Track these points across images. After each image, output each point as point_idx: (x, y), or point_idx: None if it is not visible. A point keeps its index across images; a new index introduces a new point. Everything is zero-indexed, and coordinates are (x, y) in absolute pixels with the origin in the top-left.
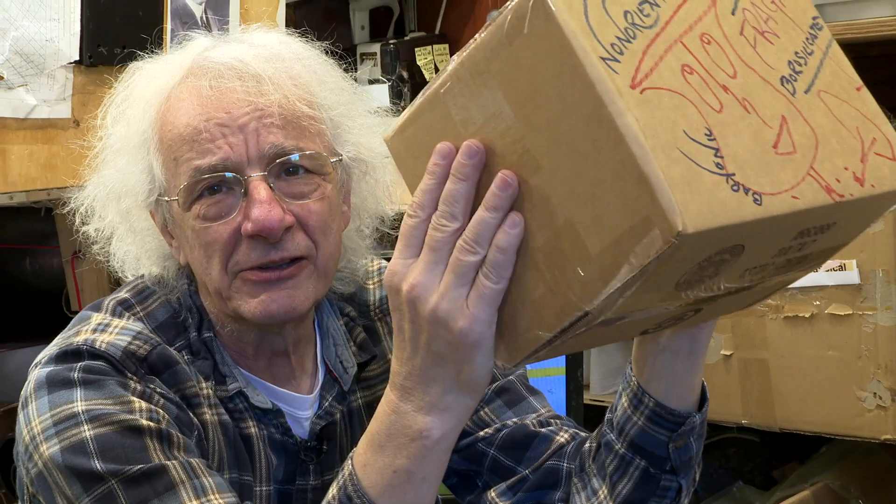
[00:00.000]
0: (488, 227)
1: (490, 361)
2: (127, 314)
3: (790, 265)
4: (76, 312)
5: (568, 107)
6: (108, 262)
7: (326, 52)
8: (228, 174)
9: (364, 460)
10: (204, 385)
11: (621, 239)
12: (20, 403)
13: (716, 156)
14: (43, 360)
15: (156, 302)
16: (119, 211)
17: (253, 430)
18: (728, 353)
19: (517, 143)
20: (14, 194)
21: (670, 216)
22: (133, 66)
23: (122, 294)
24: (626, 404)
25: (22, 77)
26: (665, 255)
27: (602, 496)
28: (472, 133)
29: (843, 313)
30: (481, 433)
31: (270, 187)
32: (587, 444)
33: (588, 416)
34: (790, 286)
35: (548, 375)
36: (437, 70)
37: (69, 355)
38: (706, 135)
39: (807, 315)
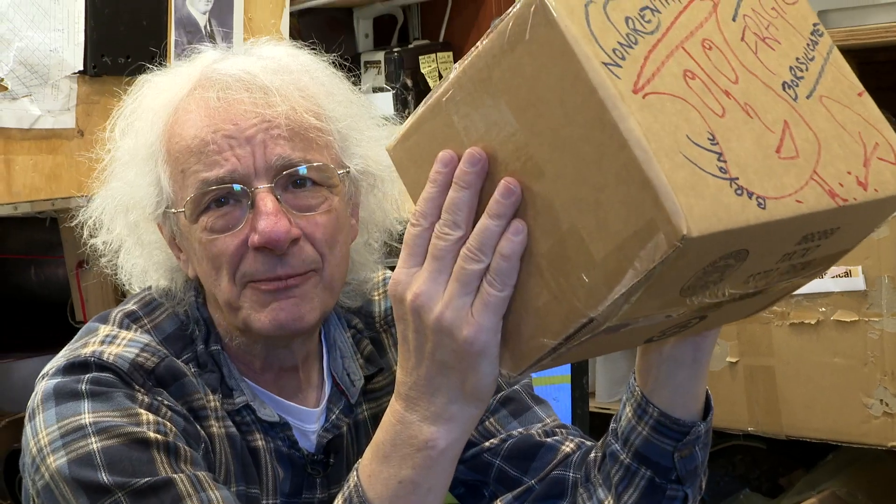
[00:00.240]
0: (492, 234)
1: (495, 370)
2: (134, 326)
3: (794, 271)
4: (81, 322)
5: (570, 113)
6: (115, 274)
7: (333, 64)
8: (236, 186)
9: (369, 471)
10: (211, 398)
11: (626, 244)
12: (27, 415)
13: (719, 160)
14: (50, 372)
15: (163, 314)
16: (127, 223)
17: (260, 442)
18: (734, 360)
19: (520, 150)
20: (18, 205)
21: (675, 220)
22: (142, 78)
23: (130, 306)
24: (630, 414)
25: (26, 87)
26: (670, 260)
27: None
28: (475, 141)
29: (848, 320)
30: (487, 444)
31: (277, 199)
32: (592, 454)
33: (594, 423)
34: (796, 293)
35: (553, 384)
36: (441, 78)
37: (77, 367)
38: (709, 139)
39: (812, 322)
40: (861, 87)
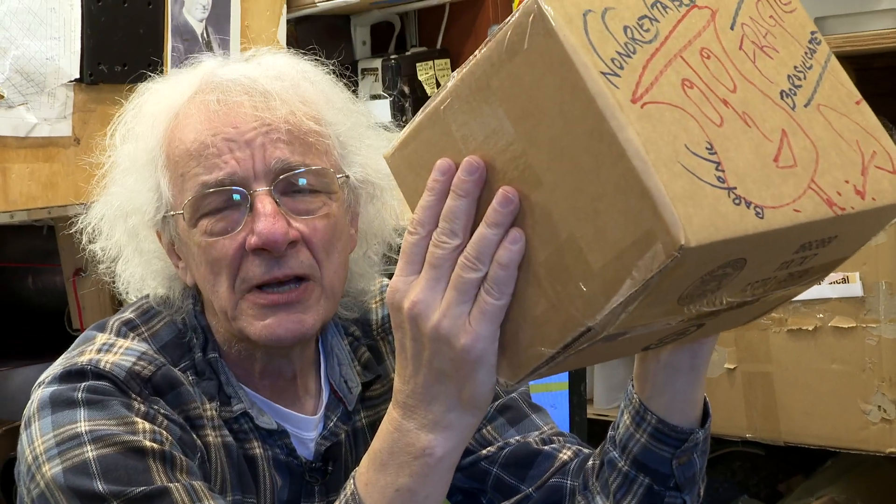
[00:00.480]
0: (490, 243)
1: (492, 379)
2: (132, 334)
3: (792, 279)
4: (78, 331)
5: (569, 122)
6: (113, 281)
7: (331, 71)
8: (235, 189)
9: (366, 479)
10: (208, 406)
11: (624, 253)
12: (23, 423)
13: (717, 169)
14: (46, 380)
15: (161, 322)
16: (126, 229)
17: (258, 450)
18: (732, 366)
19: (518, 159)
20: (15, 213)
21: (673, 230)
22: (142, 86)
23: (127, 314)
24: (628, 421)
25: (22, 96)
26: (668, 270)
27: None
28: (473, 149)
29: (846, 326)
30: (484, 451)
31: (276, 202)
32: (590, 462)
33: (592, 430)
34: (793, 300)
35: (551, 391)
36: (438, 85)
37: (73, 375)
38: (707, 149)
39: (810, 328)
40: (859, 96)
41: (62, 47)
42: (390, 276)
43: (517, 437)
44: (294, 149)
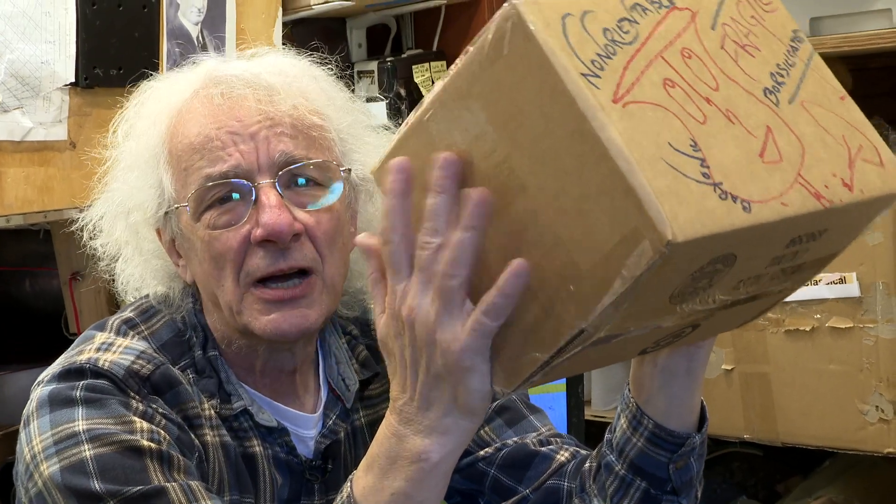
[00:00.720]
0: (465, 247)
1: (486, 385)
2: (131, 333)
3: (785, 276)
4: (74, 334)
5: (551, 124)
6: (112, 280)
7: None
8: (239, 181)
9: (363, 483)
10: (206, 406)
11: (612, 253)
12: (22, 422)
13: (702, 166)
14: (46, 379)
15: (160, 321)
16: (127, 226)
17: (258, 448)
18: (729, 367)
19: (502, 165)
20: (11, 217)
21: (659, 227)
22: (144, 84)
23: (127, 313)
24: (625, 425)
25: (18, 100)
26: (656, 266)
27: None
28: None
29: (843, 326)
30: (482, 452)
31: (280, 195)
32: (587, 464)
33: (590, 431)
34: (790, 299)
35: (548, 392)
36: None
37: (72, 374)
38: (691, 146)
39: (807, 329)
40: (843, 91)
41: (57, 51)
42: None
43: (515, 439)
44: (298, 142)
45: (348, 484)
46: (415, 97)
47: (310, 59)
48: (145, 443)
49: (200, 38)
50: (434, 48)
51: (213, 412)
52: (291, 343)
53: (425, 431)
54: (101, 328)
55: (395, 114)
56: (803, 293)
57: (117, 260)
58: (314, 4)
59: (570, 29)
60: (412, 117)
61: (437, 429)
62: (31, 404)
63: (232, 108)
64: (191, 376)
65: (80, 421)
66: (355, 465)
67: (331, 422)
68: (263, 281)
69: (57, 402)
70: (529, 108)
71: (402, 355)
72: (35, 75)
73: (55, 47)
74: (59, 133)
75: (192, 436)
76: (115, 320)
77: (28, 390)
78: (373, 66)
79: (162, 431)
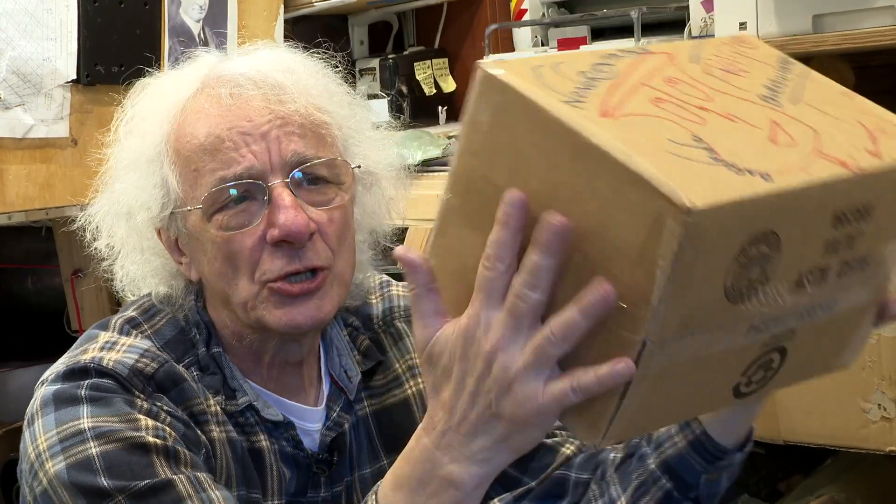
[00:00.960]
0: (578, 326)
1: (544, 434)
2: (135, 332)
3: (852, 270)
4: (76, 332)
5: (551, 157)
6: (113, 279)
7: (335, 67)
8: (253, 182)
9: (391, 501)
10: (212, 402)
11: (644, 249)
12: (26, 421)
13: (709, 152)
14: (50, 378)
15: (163, 319)
16: (129, 226)
17: (264, 443)
18: None
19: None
20: (13, 214)
21: (676, 199)
22: (141, 82)
23: (130, 312)
24: None
25: (19, 97)
26: (688, 242)
27: None
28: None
29: None
30: None
31: (293, 194)
32: (611, 455)
33: None
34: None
35: None
36: (436, 84)
37: (76, 373)
38: (694, 139)
39: None
40: (848, 90)
41: (59, 48)
42: (389, 274)
43: None
44: (308, 142)
45: (373, 497)
46: (416, 94)
47: (311, 54)
48: (151, 439)
49: (202, 34)
50: (436, 45)
51: (218, 408)
52: (303, 336)
53: (463, 460)
54: (104, 327)
55: (397, 111)
56: None
57: (119, 258)
58: (316, 1)
59: (544, 74)
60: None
61: (476, 458)
62: (35, 403)
63: (242, 108)
64: (195, 373)
65: (86, 419)
66: (360, 456)
67: (335, 414)
68: (279, 277)
69: (62, 401)
70: (529, 152)
71: (461, 379)
72: (37, 72)
73: (57, 44)
74: (61, 130)
75: (199, 432)
76: (117, 319)
77: (30, 387)
78: (374, 63)
79: (167, 428)
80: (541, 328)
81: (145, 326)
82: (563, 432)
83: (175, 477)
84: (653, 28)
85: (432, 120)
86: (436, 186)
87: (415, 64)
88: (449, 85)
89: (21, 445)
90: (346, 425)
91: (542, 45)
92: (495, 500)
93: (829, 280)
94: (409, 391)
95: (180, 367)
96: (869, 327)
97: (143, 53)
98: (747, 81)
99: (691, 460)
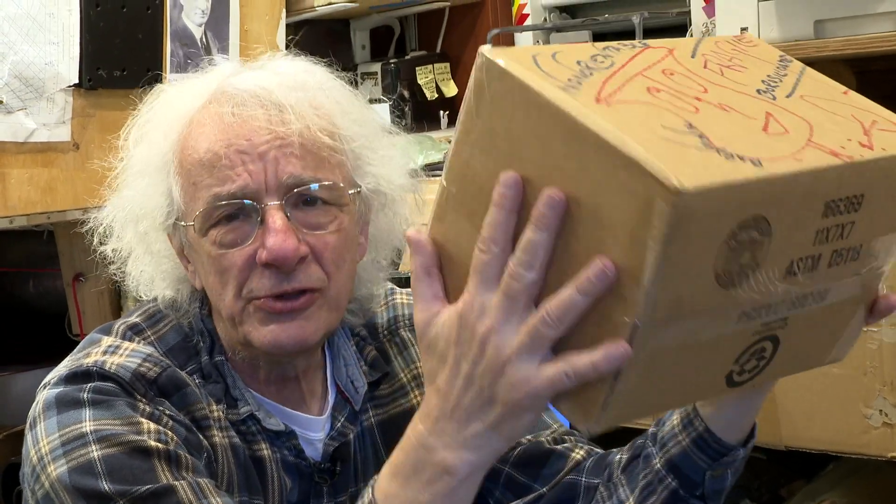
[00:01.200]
0: (575, 306)
1: (536, 420)
2: (137, 338)
3: (844, 261)
4: (78, 335)
5: (545, 141)
6: (120, 281)
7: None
8: (246, 202)
9: (386, 492)
10: (214, 408)
11: (635, 231)
12: (28, 424)
13: (700, 138)
14: (52, 381)
15: (167, 326)
16: (137, 232)
17: (266, 452)
18: None
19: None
20: (14, 218)
21: (666, 181)
22: (157, 88)
23: (133, 318)
24: (675, 422)
25: (21, 101)
26: (677, 223)
27: None
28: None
29: None
30: None
31: (287, 216)
32: (617, 456)
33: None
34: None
35: None
36: (438, 89)
37: (79, 376)
38: (686, 126)
39: None
40: (845, 88)
41: (61, 52)
42: (396, 281)
43: (528, 437)
44: (306, 163)
45: (370, 490)
46: (418, 99)
47: (315, 61)
48: (153, 443)
49: (204, 39)
50: (438, 50)
51: (220, 414)
52: (290, 356)
53: (456, 445)
54: (107, 332)
55: (399, 115)
56: None
57: (128, 261)
58: (318, 6)
59: (542, 62)
60: (439, 191)
61: (469, 445)
62: (38, 406)
63: (242, 126)
64: (197, 381)
65: (88, 422)
66: (365, 467)
67: (339, 424)
68: (266, 296)
69: (64, 404)
70: (524, 137)
71: (455, 364)
72: (39, 77)
73: (59, 49)
74: (63, 134)
75: (201, 437)
76: (120, 325)
77: (31, 391)
78: (376, 67)
79: (169, 433)
80: (535, 310)
81: (148, 332)
82: (572, 437)
83: (177, 483)
84: (654, 33)
85: (434, 124)
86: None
87: (417, 68)
88: (451, 89)
89: (23, 449)
90: (351, 435)
91: None
92: None
93: (820, 269)
94: (415, 401)
95: (183, 374)
96: (861, 322)
97: (144, 58)
98: (744, 76)
99: (695, 458)
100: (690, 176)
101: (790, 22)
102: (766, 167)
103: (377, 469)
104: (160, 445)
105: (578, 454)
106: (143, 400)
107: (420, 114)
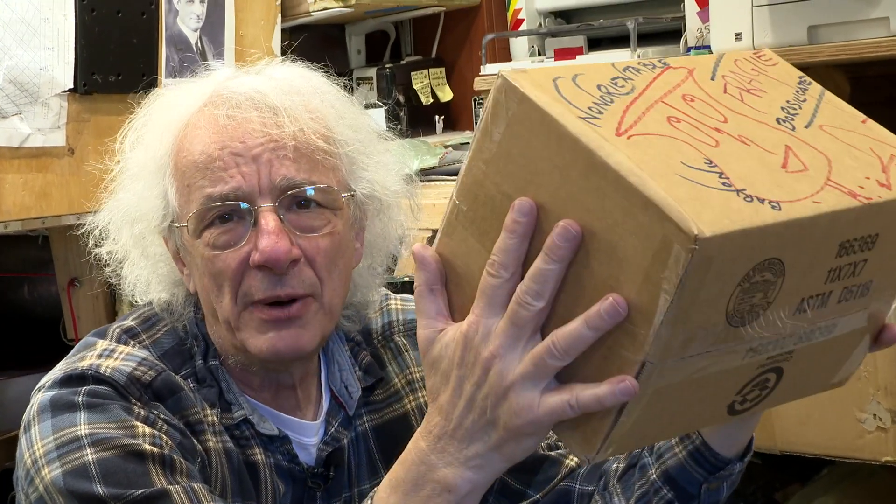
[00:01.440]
0: (583, 340)
1: (538, 444)
2: (132, 342)
3: (853, 296)
4: (72, 340)
5: (563, 172)
6: (115, 284)
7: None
8: (240, 204)
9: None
10: (209, 412)
11: (649, 273)
12: (22, 427)
13: (721, 177)
14: (47, 384)
15: (162, 330)
16: (133, 235)
17: (259, 457)
18: None
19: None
20: (9, 223)
21: (684, 227)
22: (154, 92)
23: (128, 322)
24: None
25: (16, 106)
26: (694, 269)
27: None
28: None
29: None
30: None
31: (280, 219)
32: (614, 465)
33: None
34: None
35: None
36: (433, 94)
37: (74, 379)
38: (706, 163)
39: None
40: (864, 116)
41: (56, 57)
42: (390, 286)
43: None
44: (300, 166)
45: (368, 501)
46: (413, 103)
47: (312, 67)
48: (147, 447)
49: (199, 44)
50: (433, 55)
51: (215, 419)
52: (287, 364)
53: (457, 464)
54: (102, 335)
55: (394, 120)
56: None
57: (124, 264)
58: (313, 11)
59: (562, 87)
60: (448, 208)
61: (470, 464)
62: (32, 409)
63: (236, 129)
64: (192, 385)
65: (82, 425)
66: (359, 472)
67: (332, 429)
68: (260, 301)
69: (59, 407)
70: (542, 165)
71: (458, 385)
72: (34, 81)
73: (54, 53)
74: (58, 139)
75: (195, 441)
76: (115, 328)
77: (26, 396)
78: (371, 72)
79: (164, 436)
80: (541, 339)
81: (143, 336)
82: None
83: (171, 487)
84: (649, 38)
85: (429, 129)
86: (433, 196)
87: (412, 73)
88: (446, 94)
89: (17, 451)
90: (345, 440)
91: (539, 54)
92: None
93: (829, 305)
94: (409, 406)
95: (178, 378)
96: (864, 350)
97: (140, 63)
98: (764, 103)
99: (691, 470)
100: (709, 222)
101: (784, 27)
102: (785, 211)
103: (371, 474)
104: (155, 449)
105: (572, 461)
106: (138, 404)
107: (415, 119)
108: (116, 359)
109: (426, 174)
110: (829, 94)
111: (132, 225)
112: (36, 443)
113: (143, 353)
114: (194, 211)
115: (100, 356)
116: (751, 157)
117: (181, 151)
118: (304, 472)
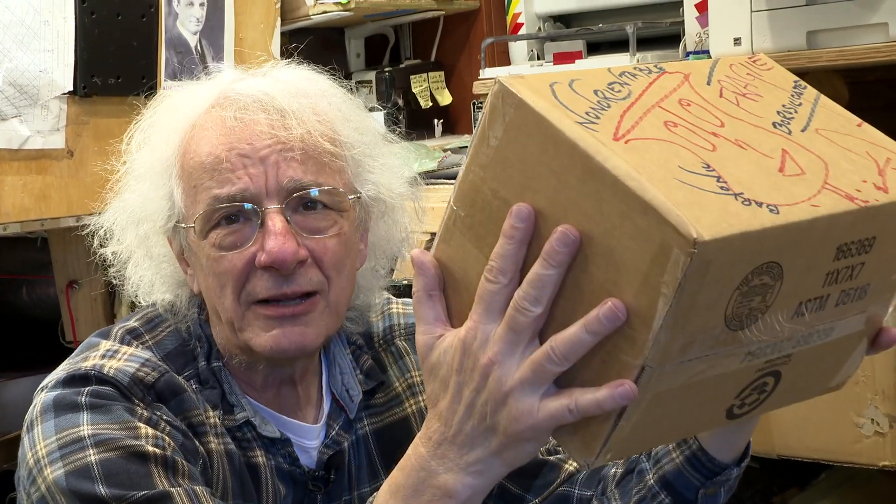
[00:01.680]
0: (582, 345)
1: (538, 450)
2: (135, 343)
3: (851, 300)
4: (71, 342)
5: (560, 176)
6: (117, 285)
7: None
8: (246, 205)
9: None
10: (211, 414)
11: (648, 277)
12: (25, 427)
13: (718, 181)
14: (50, 384)
15: (165, 331)
16: (137, 235)
17: (261, 459)
18: None
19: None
20: (8, 225)
21: (683, 230)
22: (161, 93)
23: (131, 323)
24: None
25: (16, 108)
26: (692, 273)
27: None
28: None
29: None
30: None
31: (287, 220)
32: (612, 470)
33: None
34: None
35: None
36: (432, 97)
37: (77, 380)
38: (704, 167)
39: None
40: (859, 120)
41: (55, 60)
42: (392, 290)
43: None
44: (307, 168)
45: None
46: (413, 107)
47: (318, 70)
48: (150, 448)
49: (199, 47)
50: (432, 58)
51: (217, 420)
52: (291, 360)
53: (457, 469)
54: (105, 336)
55: (394, 124)
56: None
57: (128, 264)
58: (313, 14)
59: (559, 92)
60: (446, 214)
61: (470, 470)
62: (35, 409)
63: (244, 130)
64: (194, 386)
65: (85, 426)
66: (359, 475)
67: (333, 432)
68: (265, 300)
69: (62, 407)
70: (539, 170)
71: (457, 391)
72: (33, 84)
73: (53, 56)
74: (57, 141)
75: (197, 443)
76: (118, 329)
77: (24, 398)
78: (371, 76)
79: (166, 438)
80: (540, 344)
81: (146, 337)
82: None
83: (173, 489)
84: (648, 43)
85: (428, 133)
86: (432, 199)
87: (411, 77)
88: (445, 98)
89: (19, 451)
90: (346, 444)
91: (538, 59)
92: None
93: (827, 308)
94: (409, 409)
95: (180, 379)
96: (862, 353)
97: (139, 65)
98: (760, 106)
99: (689, 476)
100: (708, 226)
101: (783, 33)
102: (783, 214)
103: (371, 478)
104: (157, 451)
105: (571, 465)
106: (141, 405)
107: (414, 122)
108: (120, 359)
109: (425, 178)
110: (824, 98)
111: (137, 225)
112: (39, 443)
113: (147, 354)
114: (201, 212)
115: (103, 357)
116: (748, 161)
117: (188, 152)
118: (305, 474)
